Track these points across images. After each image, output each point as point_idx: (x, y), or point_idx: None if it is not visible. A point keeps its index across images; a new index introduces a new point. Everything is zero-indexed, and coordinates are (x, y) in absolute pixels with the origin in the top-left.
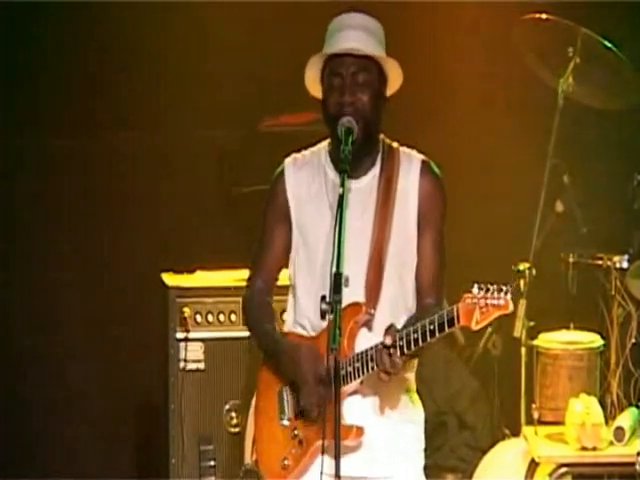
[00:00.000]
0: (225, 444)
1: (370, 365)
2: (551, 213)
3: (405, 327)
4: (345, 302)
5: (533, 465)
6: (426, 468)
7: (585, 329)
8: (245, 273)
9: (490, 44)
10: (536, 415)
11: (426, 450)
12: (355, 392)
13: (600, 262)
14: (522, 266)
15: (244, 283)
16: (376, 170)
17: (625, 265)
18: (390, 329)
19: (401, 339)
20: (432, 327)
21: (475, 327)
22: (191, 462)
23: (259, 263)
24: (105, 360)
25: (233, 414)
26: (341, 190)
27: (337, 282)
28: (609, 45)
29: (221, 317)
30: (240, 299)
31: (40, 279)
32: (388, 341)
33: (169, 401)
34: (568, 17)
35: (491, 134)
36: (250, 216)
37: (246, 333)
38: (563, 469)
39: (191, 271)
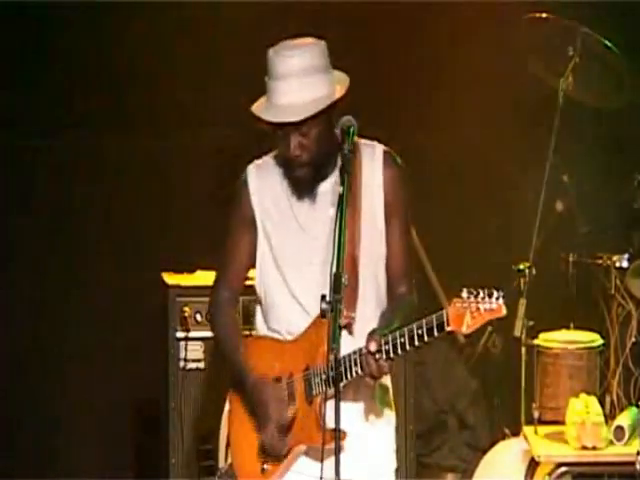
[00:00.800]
0: None
1: (354, 370)
2: (551, 213)
3: (387, 327)
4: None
5: (533, 464)
6: (426, 467)
7: (585, 328)
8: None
9: (490, 44)
10: (536, 414)
11: (425, 450)
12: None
13: (600, 262)
14: (522, 266)
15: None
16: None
17: (625, 264)
18: (373, 334)
19: (387, 343)
20: (420, 332)
21: (466, 331)
22: (191, 462)
23: (225, 271)
24: (105, 359)
25: None
26: (341, 190)
27: (337, 282)
28: (609, 45)
29: None
30: (240, 298)
31: (40, 279)
32: (373, 347)
33: (169, 400)
34: (568, 17)
35: (491, 134)
36: None
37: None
38: (563, 468)
39: (191, 270)
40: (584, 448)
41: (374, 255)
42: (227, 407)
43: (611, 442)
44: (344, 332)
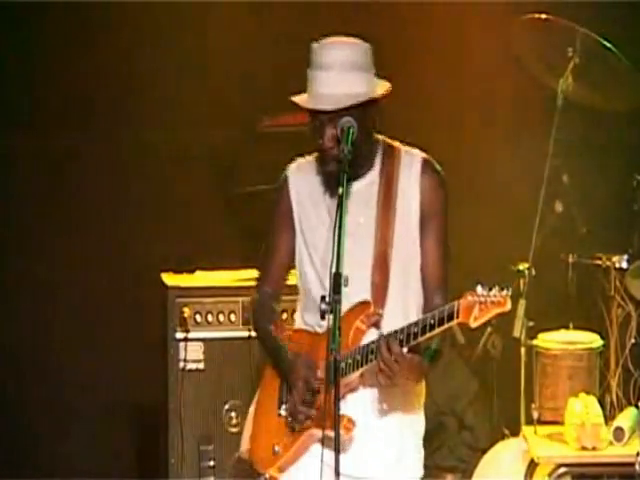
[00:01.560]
0: (225, 444)
1: (369, 357)
2: (551, 213)
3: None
4: (352, 302)
5: (532, 465)
6: (425, 468)
7: (585, 329)
8: (245, 273)
9: (490, 44)
10: (535, 415)
11: (425, 451)
12: (356, 390)
13: (600, 262)
14: (522, 266)
15: (244, 283)
16: (376, 170)
17: (625, 265)
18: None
19: (401, 332)
20: (432, 321)
21: (473, 324)
22: (190, 462)
23: (265, 269)
24: (105, 360)
25: (233, 414)
26: (340, 190)
27: (336, 282)
28: (608, 45)
29: (221, 317)
30: (240, 299)
31: (40, 279)
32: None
33: (169, 401)
34: (568, 17)
35: (491, 134)
36: (250, 216)
37: (246, 333)
38: (562, 469)
39: (191, 271)
40: (584, 449)
41: (406, 256)
42: (256, 397)
43: (611, 443)
44: (372, 328)
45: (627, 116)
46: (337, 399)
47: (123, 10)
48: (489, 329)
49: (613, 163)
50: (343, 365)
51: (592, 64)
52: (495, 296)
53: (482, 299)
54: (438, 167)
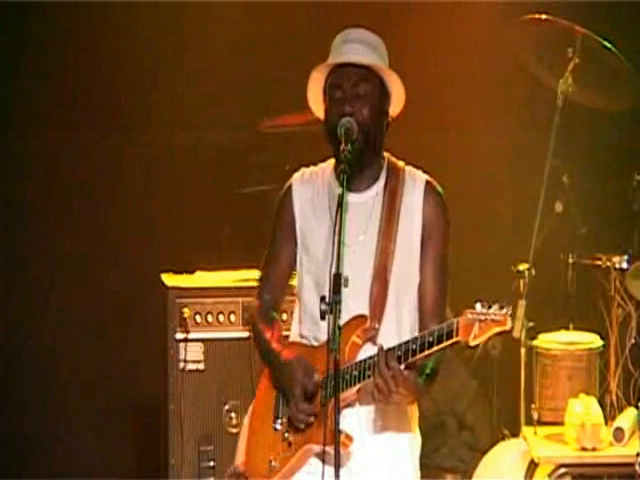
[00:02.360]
0: (225, 444)
1: (367, 373)
2: (550, 214)
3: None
4: (349, 315)
5: (532, 465)
6: (425, 468)
7: (584, 330)
8: (245, 273)
9: (490, 44)
10: (535, 415)
11: (425, 451)
12: (351, 406)
13: (600, 262)
14: (522, 266)
15: (244, 284)
16: (379, 185)
17: (625, 266)
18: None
19: (399, 348)
20: (431, 339)
21: (472, 342)
22: (190, 462)
23: (266, 276)
24: (105, 360)
25: (233, 414)
26: (340, 191)
27: (336, 282)
28: (608, 45)
29: (221, 317)
30: (240, 300)
31: (40, 279)
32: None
33: (169, 401)
34: (568, 17)
35: (491, 134)
36: (250, 217)
37: (246, 334)
38: (562, 469)
39: (191, 272)
40: (584, 449)
41: (405, 273)
42: (251, 408)
43: (611, 443)
44: (368, 343)
45: (626, 116)
46: (337, 400)
47: (123, 10)
48: None
49: (613, 163)
50: (340, 381)
51: (592, 64)
52: (495, 314)
53: (482, 317)
54: (440, 190)
